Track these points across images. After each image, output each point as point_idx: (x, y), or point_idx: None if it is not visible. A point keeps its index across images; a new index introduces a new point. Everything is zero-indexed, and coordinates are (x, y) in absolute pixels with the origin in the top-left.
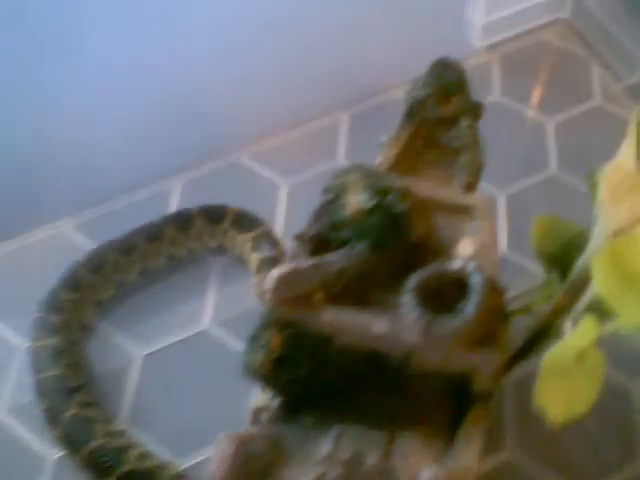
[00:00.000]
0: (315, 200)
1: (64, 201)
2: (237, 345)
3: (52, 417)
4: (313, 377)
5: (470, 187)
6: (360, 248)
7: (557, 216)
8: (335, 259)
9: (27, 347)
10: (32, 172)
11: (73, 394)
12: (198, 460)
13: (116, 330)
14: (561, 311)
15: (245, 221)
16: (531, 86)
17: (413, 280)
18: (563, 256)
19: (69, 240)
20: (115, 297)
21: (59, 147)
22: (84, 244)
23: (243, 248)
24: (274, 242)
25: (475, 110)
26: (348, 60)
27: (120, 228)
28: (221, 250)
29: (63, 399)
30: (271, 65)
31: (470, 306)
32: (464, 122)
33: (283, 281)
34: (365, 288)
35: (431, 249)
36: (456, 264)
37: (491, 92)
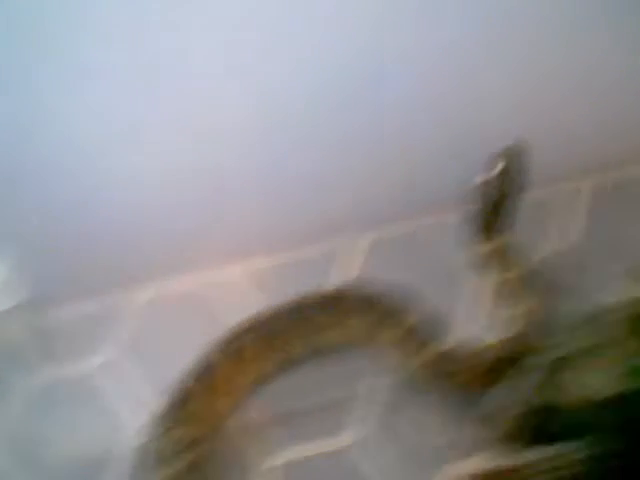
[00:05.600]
0: None
1: (226, 249)
2: None
3: None
4: None
5: None
6: (601, 447)
7: None
8: (545, 460)
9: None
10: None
11: None
12: None
13: (258, 421)
14: None
15: (423, 335)
16: None
17: None
18: None
19: (227, 290)
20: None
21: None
22: (241, 298)
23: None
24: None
25: None
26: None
27: (282, 288)
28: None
29: None
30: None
31: None
32: None
33: None
34: None
35: None
36: None
37: None
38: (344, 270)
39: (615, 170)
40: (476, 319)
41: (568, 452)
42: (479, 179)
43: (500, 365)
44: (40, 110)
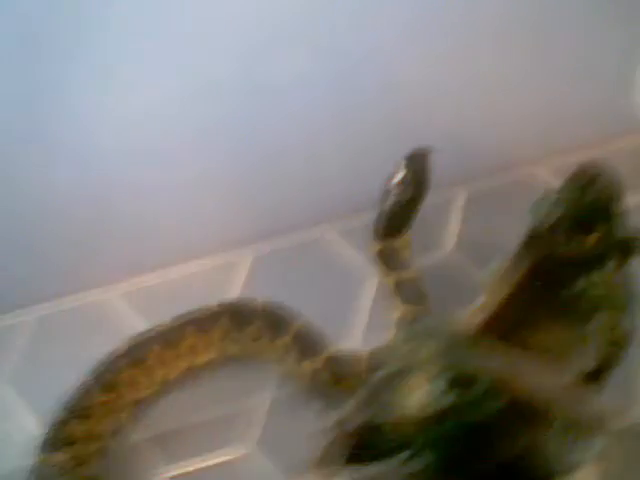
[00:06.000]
0: None
1: (114, 266)
2: None
3: None
4: None
5: (593, 378)
6: (419, 463)
7: None
8: (379, 473)
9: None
10: (85, 236)
11: None
12: None
13: (143, 440)
14: None
15: (308, 343)
16: None
17: None
18: None
19: (114, 309)
20: (154, 397)
21: (114, 210)
22: (129, 315)
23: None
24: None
25: (628, 249)
26: (473, 124)
27: (171, 303)
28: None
29: None
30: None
31: None
32: (608, 266)
33: None
34: None
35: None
36: None
37: None
38: (240, 281)
39: (486, 178)
40: (376, 322)
41: (388, 470)
42: (385, 182)
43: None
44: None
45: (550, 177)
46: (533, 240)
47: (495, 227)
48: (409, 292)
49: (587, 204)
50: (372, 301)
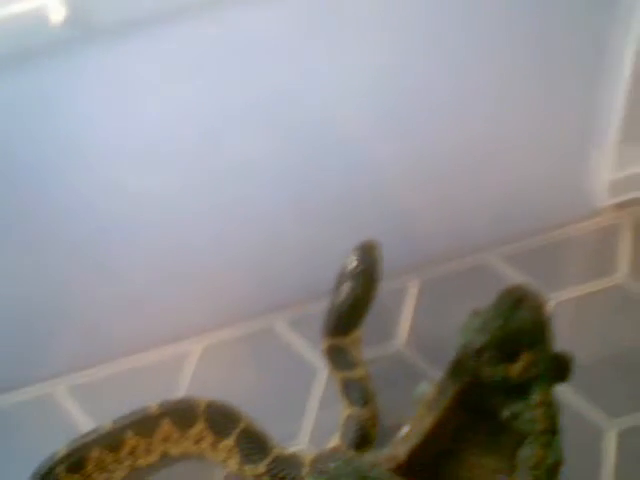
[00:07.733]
0: None
1: (58, 359)
2: None
3: None
4: None
5: None
6: None
7: None
8: None
9: None
10: (27, 329)
11: None
12: None
13: None
14: None
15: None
16: None
17: None
18: None
19: (58, 404)
20: None
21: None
22: (74, 409)
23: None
24: None
25: (558, 370)
26: (426, 211)
27: (117, 398)
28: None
29: None
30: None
31: None
32: (536, 392)
33: None
34: None
35: None
36: None
37: (616, 268)
38: (189, 373)
39: (440, 265)
40: (325, 417)
41: None
42: (337, 273)
43: None
44: None
45: (502, 263)
46: (459, 365)
47: (448, 314)
48: (356, 392)
49: (512, 330)
50: (321, 395)
